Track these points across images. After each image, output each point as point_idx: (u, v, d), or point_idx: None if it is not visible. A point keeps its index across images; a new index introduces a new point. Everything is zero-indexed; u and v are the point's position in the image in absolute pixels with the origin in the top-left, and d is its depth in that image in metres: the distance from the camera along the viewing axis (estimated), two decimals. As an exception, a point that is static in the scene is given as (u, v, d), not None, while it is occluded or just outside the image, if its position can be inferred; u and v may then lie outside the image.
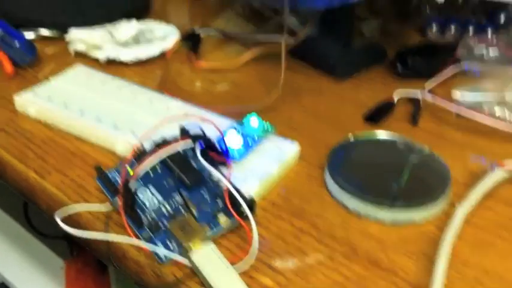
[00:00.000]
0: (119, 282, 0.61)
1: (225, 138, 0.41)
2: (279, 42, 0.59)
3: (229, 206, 0.36)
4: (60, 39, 0.60)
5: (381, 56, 0.59)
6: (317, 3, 0.54)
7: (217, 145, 0.41)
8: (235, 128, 0.44)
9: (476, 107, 0.49)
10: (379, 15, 0.66)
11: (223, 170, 0.40)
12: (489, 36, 0.62)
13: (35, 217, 0.77)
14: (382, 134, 0.45)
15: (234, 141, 0.42)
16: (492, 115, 0.48)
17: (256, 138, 0.43)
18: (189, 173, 0.39)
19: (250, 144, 0.43)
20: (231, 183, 0.37)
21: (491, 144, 0.47)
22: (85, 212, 0.38)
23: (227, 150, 0.41)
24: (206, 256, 0.33)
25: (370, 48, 0.60)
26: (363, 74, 0.57)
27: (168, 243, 0.35)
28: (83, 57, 0.57)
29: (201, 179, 0.39)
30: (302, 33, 0.58)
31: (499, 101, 0.50)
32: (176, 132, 0.42)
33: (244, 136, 0.43)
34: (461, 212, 0.37)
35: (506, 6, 0.64)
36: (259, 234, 0.35)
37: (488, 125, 0.47)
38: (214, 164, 0.39)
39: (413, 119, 0.49)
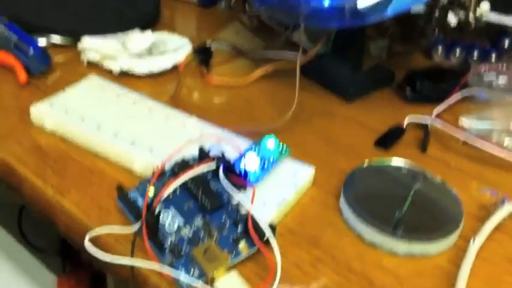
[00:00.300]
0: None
1: (243, 160, 0.42)
2: (289, 60, 0.60)
3: (253, 234, 0.36)
4: (71, 47, 0.59)
5: (389, 78, 0.60)
6: (331, 23, 0.55)
7: (236, 168, 0.41)
8: (253, 150, 0.44)
9: (484, 135, 0.50)
10: (386, 36, 0.67)
11: (242, 192, 0.40)
12: (494, 61, 0.63)
13: (28, 230, 0.76)
14: (395, 162, 0.46)
15: (252, 164, 0.43)
16: (500, 144, 0.49)
17: (272, 160, 0.44)
18: (209, 196, 0.39)
19: (266, 167, 0.44)
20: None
21: (499, 174, 0.48)
22: (105, 233, 0.38)
23: (246, 173, 0.41)
24: (230, 284, 0.33)
25: (378, 71, 0.61)
26: (371, 96, 0.58)
27: (191, 269, 0.35)
28: (95, 67, 0.57)
29: (221, 203, 0.39)
30: (313, 51, 0.59)
31: (507, 130, 0.51)
32: (195, 151, 0.42)
33: (261, 158, 0.44)
34: (474, 248, 0.38)
35: (510, 32, 0.66)
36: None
37: (496, 154, 0.48)
38: (234, 187, 0.40)
39: (423, 146, 0.50)
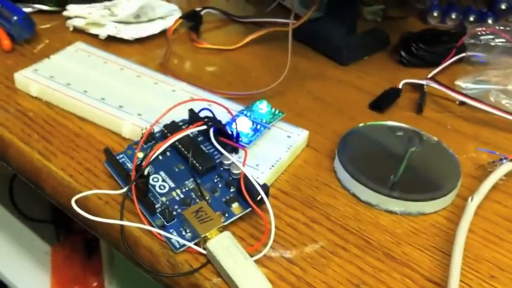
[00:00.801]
0: (112, 268, 0.61)
1: (235, 123, 0.41)
2: (281, 24, 0.58)
3: (246, 193, 0.35)
4: (57, 13, 0.58)
5: (384, 42, 0.59)
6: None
7: (228, 130, 0.40)
8: (245, 114, 0.43)
9: (481, 96, 0.49)
10: (381, 0, 0.65)
11: (234, 155, 0.39)
12: (491, 23, 0.62)
13: (20, 200, 0.75)
14: (391, 123, 0.45)
15: (243, 126, 0.42)
16: (497, 105, 0.48)
17: (265, 123, 0.43)
18: (200, 158, 0.38)
19: (259, 129, 0.42)
20: (244, 170, 0.36)
21: (496, 134, 0.47)
22: (94, 197, 0.37)
23: (238, 135, 0.40)
24: (223, 245, 0.32)
25: (373, 34, 0.59)
26: (366, 60, 0.57)
27: (182, 231, 0.34)
28: (82, 34, 0.55)
29: (213, 165, 0.38)
30: (305, 15, 0.57)
31: (504, 91, 0.50)
32: (184, 115, 0.41)
33: (253, 121, 0.43)
34: (473, 206, 0.37)
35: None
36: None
37: (493, 115, 0.47)
38: (226, 149, 0.39)
39: (419, 108, 0.49)
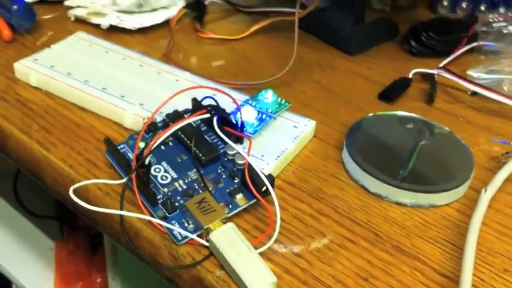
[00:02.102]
0: (116, 265, 0.60)
1: (240, 112, 0.39)
2: (287, 14, 0.57)
3: (250, 184, 0.34)
4: (58, 3, 0.57)
5: (393, 31, 0.57)
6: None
7: (233, 119, 0.39)
8: (249, 102, 0.42)
9: (494, 86, 0.48)
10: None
11: (238, 145, 0.38)
12: (503, 12, 0.60)
13: (24, 196, 0.75)
14: (400, 113, 0.44)
15: (248, 116, 0.41)
16: (511, 95, 0.47)
17: (271, 112, 0.42)
18: (203, 148, 0.37)
19: (264, 119, 0.41)
20: (249, 160, 0.35)
21: (509, 125, 0.45)
22: (94, 187, 0.36)
23: (243, 125, 0.39)
24: (226, 236, 0.31)
25: (382, 23, 0.58)
26: (374, 49, 0.56)
27: (185, 222, 0.33)
28: (83, 24, 0.54)
29: (216, 155, 0.37)
30: (312, 5, 0.56)
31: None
32: (187, 104, 0.40)
33: (258, 111, 0.41)
34: (487, 198, 0.36)
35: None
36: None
37: (506, 105, 0.46)
38: (230, 138, 0.38)
39: (430, 98, 0.48)
